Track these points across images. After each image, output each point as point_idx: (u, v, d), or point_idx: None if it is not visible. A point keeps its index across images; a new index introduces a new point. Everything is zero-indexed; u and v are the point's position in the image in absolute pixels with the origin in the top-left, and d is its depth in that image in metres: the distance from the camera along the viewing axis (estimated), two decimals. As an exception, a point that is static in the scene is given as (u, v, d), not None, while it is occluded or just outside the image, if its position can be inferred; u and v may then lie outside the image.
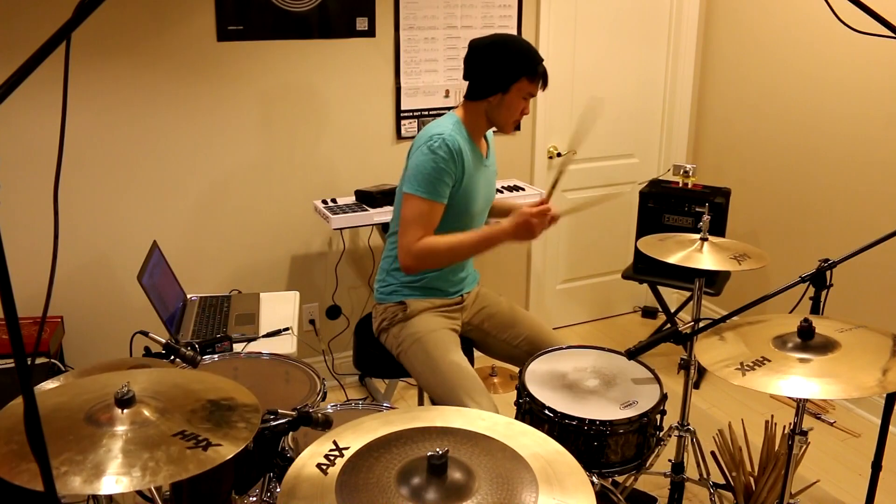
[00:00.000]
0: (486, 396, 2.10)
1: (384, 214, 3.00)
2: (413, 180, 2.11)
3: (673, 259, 2.17)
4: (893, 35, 1.46)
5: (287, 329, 2.49)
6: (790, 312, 1.88)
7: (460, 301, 2.39)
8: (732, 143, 3.83)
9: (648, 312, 4.26)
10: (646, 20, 3.82)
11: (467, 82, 2.21)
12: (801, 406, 1.76)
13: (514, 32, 3.48)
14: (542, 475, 1.18)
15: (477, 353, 2.48)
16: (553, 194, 2.18)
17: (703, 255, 2.19)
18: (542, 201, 2.12)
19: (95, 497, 1.12)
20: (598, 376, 2.09)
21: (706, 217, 2.29)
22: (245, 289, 3.22)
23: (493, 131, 2.39)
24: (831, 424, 3.18)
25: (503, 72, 2.12)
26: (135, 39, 2.83)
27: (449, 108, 3.06)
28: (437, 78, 3.37)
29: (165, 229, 3.05)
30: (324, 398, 1.92)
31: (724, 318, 1.80)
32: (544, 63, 2.17)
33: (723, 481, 2.54)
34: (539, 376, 2.08)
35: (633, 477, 2.40)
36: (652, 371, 2.12)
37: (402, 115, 3.34)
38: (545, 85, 2.18)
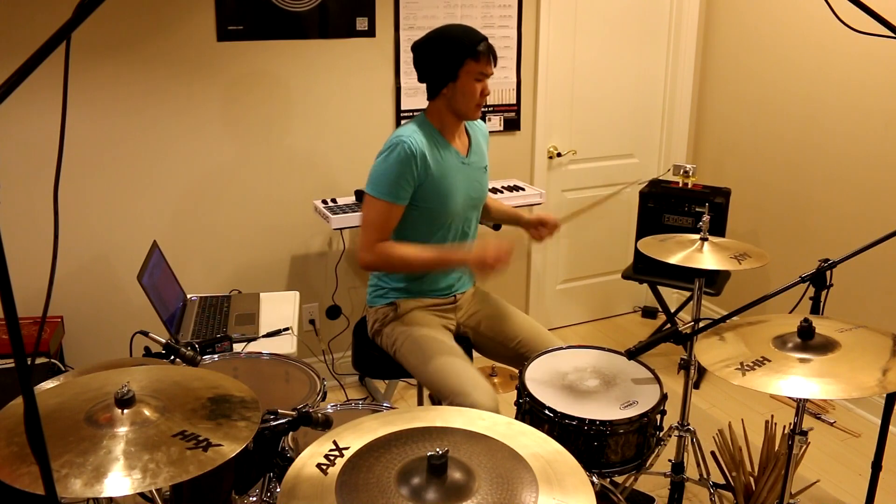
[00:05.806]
0: (482, 387, 2.09)
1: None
2: (372, 182, 2.17)
3: (673, 259, 2.17)
4: (893, 35, 1.46)
5: (287, 329, 2.49)
6: (790, 312, 1.88)
7: (454, 301, 2.39)
8: (732, 142, 3.82)
9: (648, 312, 4.26)
10: (646, 20, 3.82)
11: (424, 84, 2.25)
12: (801, 406, 1.76)
13: (514, 32, 3.48)
14: (542, 475, 1.18)
15: (476, 354, 2.48)
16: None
17: (704, 255, 2.19)
18: (506, 248, 2.10)
19: (96, 498, 1.12)
20: (598, 376, 2.09)
21: (706, 217, 2.29)
22: (245, 289, 3.22)
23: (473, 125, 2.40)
24: (831, 424, 3.18)
25: (446, 61, 2.15)
26: (135, 39, 2.83)
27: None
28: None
29: (165, 229, 3.05)
30: (324, 398, 1.92)
31: (724, 318, 1.80)
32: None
33: (723, 481, 2.54)
34: (539, 376, 2.08)
35: (633, 477, 2.40)
36: (652, 371, 2.12)
37: (402, 115, 3.34)
38: (495, 61, 2.20)
